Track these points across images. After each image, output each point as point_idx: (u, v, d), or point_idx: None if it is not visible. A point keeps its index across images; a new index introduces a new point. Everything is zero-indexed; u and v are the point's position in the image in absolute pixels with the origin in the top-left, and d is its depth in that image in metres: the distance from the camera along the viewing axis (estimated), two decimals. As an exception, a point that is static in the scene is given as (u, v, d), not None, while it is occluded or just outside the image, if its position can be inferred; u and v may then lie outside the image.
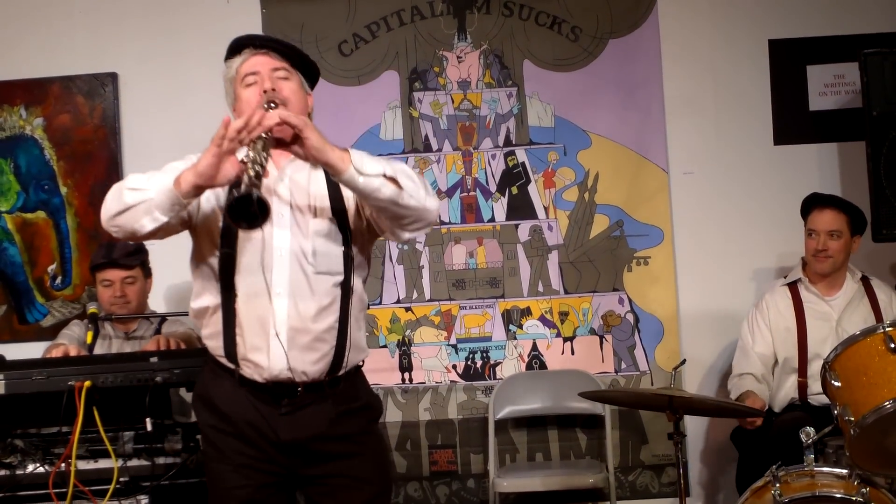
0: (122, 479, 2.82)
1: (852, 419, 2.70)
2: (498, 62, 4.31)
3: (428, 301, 4.28)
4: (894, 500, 2.75)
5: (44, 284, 4.35)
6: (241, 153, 2.20)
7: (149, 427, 2.81)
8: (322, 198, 2.42)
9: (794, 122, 4.29)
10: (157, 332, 3.66)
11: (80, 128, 4.34)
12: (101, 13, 4.35)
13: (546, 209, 4.28)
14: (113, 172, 4.28)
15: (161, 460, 2.86)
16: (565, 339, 4.26)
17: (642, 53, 4.27)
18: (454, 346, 4.27)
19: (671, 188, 4.28)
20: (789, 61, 4.28)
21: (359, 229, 2.46)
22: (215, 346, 2.43)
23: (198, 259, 2.45)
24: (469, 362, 4.26)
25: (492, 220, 4.30)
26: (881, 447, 2.77)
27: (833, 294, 3.82)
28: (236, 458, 2.40)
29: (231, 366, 2.41)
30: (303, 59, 2.53)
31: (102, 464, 2.83)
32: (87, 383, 2.76)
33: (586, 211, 4.28)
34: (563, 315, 4.26)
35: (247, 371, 2.39)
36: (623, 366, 4.24)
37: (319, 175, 2.41)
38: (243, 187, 2.09)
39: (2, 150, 4.34)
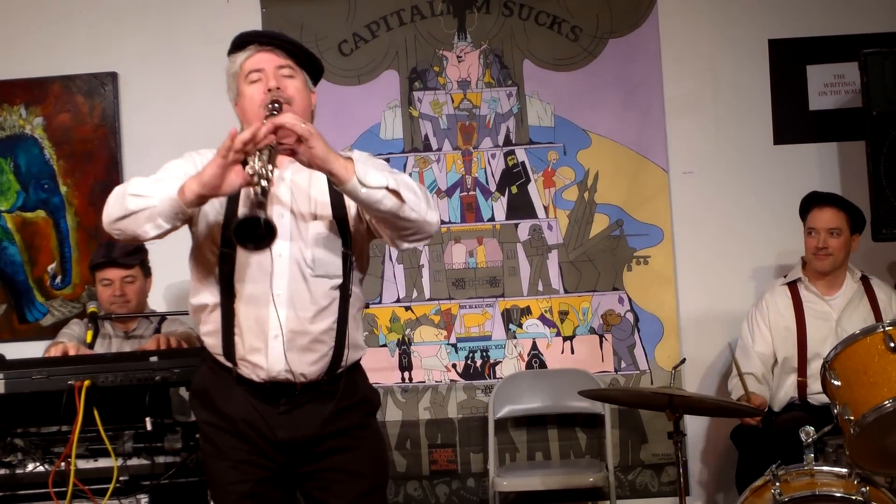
0: (121, 479, 2.82)
1: (852, 418, 2.71)
2: (498, 62, 4.31)
3: (428, 300, 4.28)
4: (894, 500, 2.75)
5: (44, 283, 4.35)
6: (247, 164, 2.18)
7: (148, 426, 2.81)
8: (323, 203, 2.41)
9: (794, 121, 4.29)
10: (157, 331, 3.67)
11: (80, 127, 4.34)
12: (102, 12, 4.35)
13: (546, 208, 4.28)
14: (113, 172, 4.28)
15: (161, 459, 2.86)
16: (565, 339, 4.26)
17: (642, 53, 4.27)
18: (454, 346, 4.27)
19: (671, 188, 4.28)
20: (789, 61, 4.28)
21: (359, 231, 2.46)
22: (214, 343, 2.43)
23: (197, 256, 2.45)
24: (469, 361, 4.26)
25: (492, 219, 4.30)
26: (881, 446, 2.77)
27: (833, 293, 3.83)
28: (234, 455, 2.40)
29: (229, 364, 2.41)
30: (308, 56, 2.51)
31: (102, 463, 2.83)
32: (87, 382, 2.76)
33: (586, 210, 4.28)
34: (563, 314, 4.26)
35: (245, 371, 2.39)
36: (623, 365, 4.24)
37: (321, 177, 2.39)
38: (249, 209, 2.07)
39: (2, 149, 4.35)
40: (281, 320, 2.34)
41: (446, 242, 4.28)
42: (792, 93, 4.28)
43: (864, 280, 3.86)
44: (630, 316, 4.25)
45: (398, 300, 4.29)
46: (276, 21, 4.26)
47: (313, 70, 2.53)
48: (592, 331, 4.26)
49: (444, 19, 4.32)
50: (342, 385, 2.44)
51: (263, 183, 2.10)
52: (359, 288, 2.50)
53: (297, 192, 2.41)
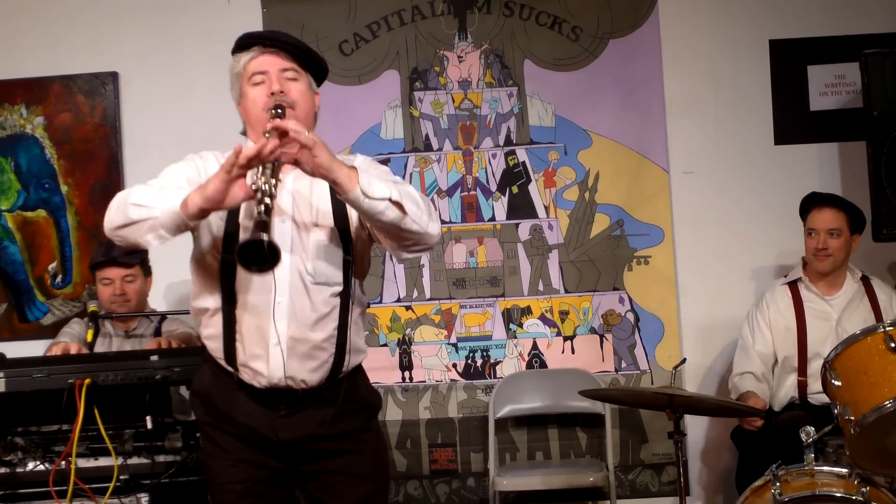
0: (122, 477, 2.83)
1: (852, 418, 2.71)
2: (498, 62, 4.31)
3: (428, 300, 4.28)
4: (894, 500, 2.74)
5: (44, 283, 4.35)
6: (250, 178, 2.16)
7: (149, 425, 2.81)
8: (325, 212, 2.39)
9: (794, 121, 4.29)
10: (158, 330, 3.68)
11: (81, 127, 4.34)
12: (102, 12, 4.35)
13: (546, 208, 4.29)
14: (113, 171, 4.28)
15: (161, 458, 2.87)
16: (565, 338, 4.26)
17: (643, 53, 4.27)
18: (454, 345, 4.27)
19: (671, 188, 4.28)
20: (790, 61, 4.28)
21: (360, 238, 2.44)
22: (215, 347, 2.42)
23: (198, 261, 2.44)
24: (469, 361, 4.26)
25: (492, 219, 4.30)
26: (881, 446, 2.77)
27: (833, 293, 3.83)
28: (234, 454, 2.40)
29: (230, 369, 2.41)
30: (312, 57, 2.48)
31: (103, 462, 2.84)
32: (88, 381, 2.76)
33: (587, 210, 4.28)
34: (564, 314, 4.26)
35: (246, 376, 2.38)
36: (623, 365, 4.24)
37: (323, 185, 2.35)
38: (252, 230, 2.06)
39: (2, 148, 4.35)
40: (281, 329, 2.33)
41: (447, 242, 4.28)
42: (792, 93, 4.28)
43: (865, 280, 3.86)
44: (630, 316, 4.25)
45: (399, 300, 4.29)
46: (277, 21, 4.26)
47: (317, 71, 2.50)
48: (593, 331, 4.26)
49: (445, 19, 4.33)
50: (343, 389, 2.44)
51: (267, 201, 2.09)
52: (360, 292, 2.50)
53: (298, 199, 2.39)
